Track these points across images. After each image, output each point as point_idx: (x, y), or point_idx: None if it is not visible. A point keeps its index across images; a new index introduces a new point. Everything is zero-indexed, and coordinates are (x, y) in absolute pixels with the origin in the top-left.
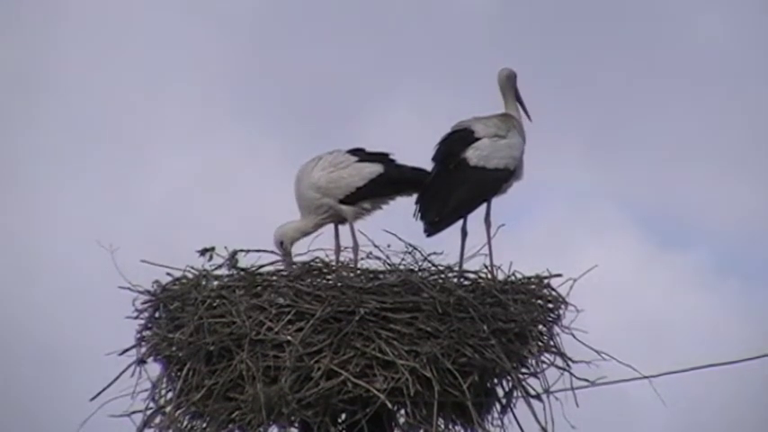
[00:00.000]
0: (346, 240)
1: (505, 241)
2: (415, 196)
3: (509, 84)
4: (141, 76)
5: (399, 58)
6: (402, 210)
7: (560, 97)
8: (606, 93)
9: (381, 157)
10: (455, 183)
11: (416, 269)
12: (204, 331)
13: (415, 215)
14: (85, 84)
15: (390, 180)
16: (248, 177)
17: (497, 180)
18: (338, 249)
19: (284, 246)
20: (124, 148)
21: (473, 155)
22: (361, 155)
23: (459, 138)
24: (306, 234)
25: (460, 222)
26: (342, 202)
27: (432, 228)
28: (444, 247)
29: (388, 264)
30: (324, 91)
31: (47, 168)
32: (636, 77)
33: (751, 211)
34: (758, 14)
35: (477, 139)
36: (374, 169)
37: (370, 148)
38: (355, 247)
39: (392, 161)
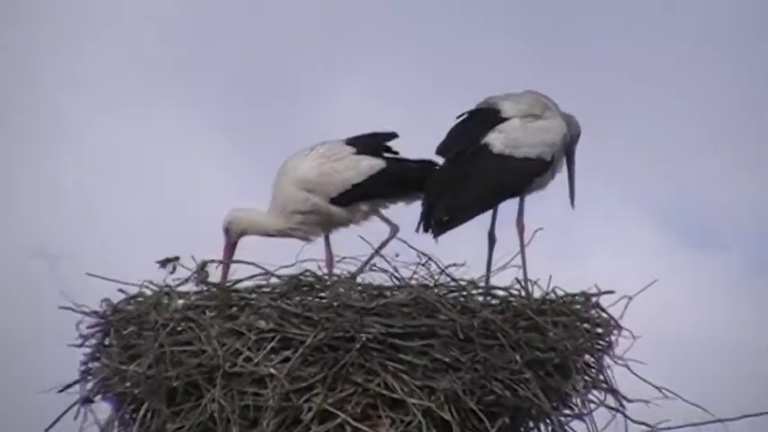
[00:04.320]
0: (340, 249)
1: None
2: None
3: None
4: (68, 51)
5: (349, 29)
6: (414, 212)
7: (545, 72)
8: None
9: (382, 147)
10: (472, 173)
11: (432, 284)
12: (166, 362)
13: (420, 219)
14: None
15: (394, 178)
16: (179, 164)
17: (527, 173)
18: (330, 260)
19: (229, 234)
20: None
21: (497, 139)
22: (360, 144)
23: (481, 119)
24: (267, 234)
25: (487, 225)
26: (333, 201)
27: (439, 228)
28: (466, 257)
29: (396, 278)
30: (267, 68)
31: None
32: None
33: None
34: None
35: (504, 120)
36: (374, 163)
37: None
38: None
39: (395, 155)
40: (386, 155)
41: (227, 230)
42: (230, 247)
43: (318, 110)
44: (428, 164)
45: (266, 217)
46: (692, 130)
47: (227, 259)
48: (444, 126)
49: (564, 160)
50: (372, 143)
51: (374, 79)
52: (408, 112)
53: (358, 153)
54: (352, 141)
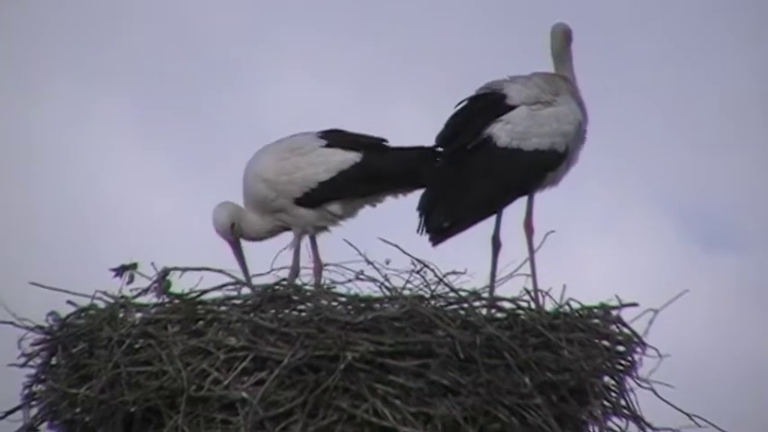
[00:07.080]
0: (330, 254)
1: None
2: (414, 195)
3: (566, 44)
4: None
5: (290, 6)
6: (407, 211)
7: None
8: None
9: (365, 142)
10: (475, 171)
11: (428, 295)
12: (122, 385)
13: (419, 226)
14: None
15: (371, 173)
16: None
17: (538, 168)
18: (318, 267)
19: (234, 230)
20: None
21: (503, 131)
22: (334, 138)
23: (484, 106)
24: (258, 236)
25: (491, 228)
26: (299, 202)
27: (440, 235)
28: (467, 264)
29: (387, 288)
30: (198, 49)
31: None
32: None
33: None
34: None
35: (511, 108)
36: (347, 158)
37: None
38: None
39: (379, 147)
40: (366, 147)
41: (231, 226)
42: (235, 246)
43: (258, 96)
44: (425, 150)
45: (256, 217)
46: (710, 124)
47: (239, 258)
48: (398, 108)
49: (579, 151)
50: (350, 135)
51: (320, 60)
52: (359, 94)
53: (329, 146)
54: (325, 134)
